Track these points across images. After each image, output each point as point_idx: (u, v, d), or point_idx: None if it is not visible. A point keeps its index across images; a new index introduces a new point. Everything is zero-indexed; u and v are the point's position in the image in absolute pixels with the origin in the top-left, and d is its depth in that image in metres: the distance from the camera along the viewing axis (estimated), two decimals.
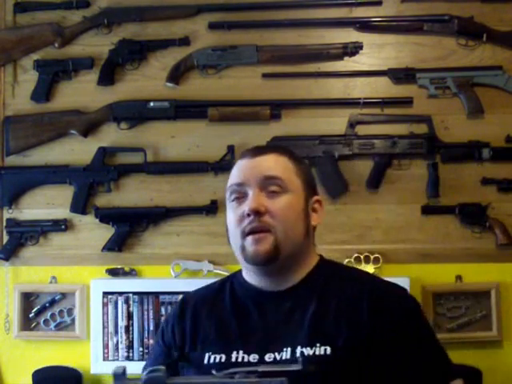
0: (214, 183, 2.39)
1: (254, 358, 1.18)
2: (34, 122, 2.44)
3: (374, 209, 2.34)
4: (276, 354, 1.18)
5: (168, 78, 2.40)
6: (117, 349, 2.31)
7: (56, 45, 2.45)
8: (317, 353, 1.16)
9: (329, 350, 1.15)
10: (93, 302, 2.34)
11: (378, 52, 2.38)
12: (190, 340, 1.27)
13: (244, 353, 1.20)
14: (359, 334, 1.17)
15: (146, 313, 2.31)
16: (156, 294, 2.31)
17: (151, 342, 2.29)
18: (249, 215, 1.22)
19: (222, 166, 2.36)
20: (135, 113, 2.41)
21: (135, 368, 2.45)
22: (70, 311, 2.42)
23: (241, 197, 1.25)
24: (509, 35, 2.32)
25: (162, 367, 0.99)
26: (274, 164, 1.26)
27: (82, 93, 2.46)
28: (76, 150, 2.46)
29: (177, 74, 2.40)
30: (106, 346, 2.32)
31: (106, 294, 2.33)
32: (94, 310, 2.33)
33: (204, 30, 2.42)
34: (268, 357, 1.18)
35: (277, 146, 1.48)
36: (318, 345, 1.16)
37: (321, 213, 1.31)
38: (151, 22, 2.44)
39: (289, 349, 1.17)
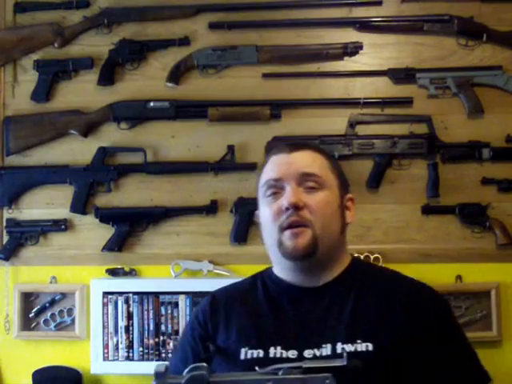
0: (214, 183, 2.39)
1: (292, 353, 1.18)
2: (34, 122, 2.44)
3: (373, 209, 2.34)
4: (315, 350, 1.17)
5: (168, 78, 2.41)
6: (117, 349, 2.31)
7: (56, 45, 2.45)
8: (358, 349, 1.15)
9: (371, 346, 1.15)
10: (93, 302, 2.33)
11: (378, 52, 2.38)
12: (223, 335, 1.25)
13: (282, 348, 1.19)
14: (397, 332, 1.17)
15: (145, 313, 2.31)
16: (156, 294, 2.31)
17: (151, 341, 2.29)
18: (287, 209, 1.21)
19: (222, 166, 2.36)
20: (135, 113, 2.41)
21: (135, 368, 2.46)
22: (69, 311, 2.42)
23: (277, 192, 1.25)
24: (509, 35, 2.32)
25: (204, 364, 0.98)
26: (312, 161, 1.27)
27: (82, 93, 2.46)
28: (76, 150, 2.46)
29: (177, 74, 2.40)
30: (105, 346, 2.31)
31: (106, 293, 2.32)
32: (94, 310, 2.33)
33: (204, 30, 2.43)
34: (307, 353, 1.17)
35: (310, 143, 1.48)
36: (359, 341, 1.16)
37: (353, 211, 1.32)
38: (151, 22, 2.44)
39: (329, 345, 1.17)
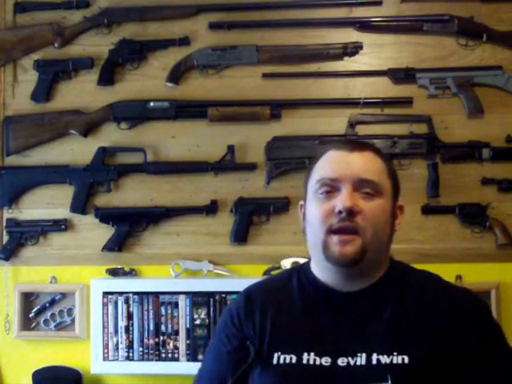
0: (214, 183, 2.39)
1: (326, 360, 1.14)
2: (34, 121, 2.44)
3: None
4: (350, 358, 1.13)
5: (168, 78, 2.41)
6: (117, 349, 2.31)
7: (56, 45, 2.45)
8: (394, 361, 1.12)
9: (406, 359, 1.12)
10: (93, 302, 2.33)
11: (378, 52, 2.38)
12: (258, 337, 1.21)
13: (315, 355, 1.15)
14: (438, 339, 1.14)
15: (145, 313, 2.31)
16: (156, 294, 2.31)
17: (151, 342, 2.29)
18: (340, 212, 1.15)
19: (222, 166, 2.36)
20: (135, 113, 2.41)
21: (135, 368, 2.46)
22: (69, 311, 2.42)
23: (332, 191, 1.18)
24: (509, 35, 2.32)
25: None
26: (371, 165, 1.20)
27: (81, 93, 2.46)
28: (76, 150, 2.46)
29: (177, 74, 2.41)
30: (105, 346, 2.31)
31: (106, 293, 2.32)
32: (94, 310, 2.33)
33: (204, 30, 2.43)
34: (341, 361, 1.13)
35: (371, 144, 1.39)
36: (395, 353, 1.12)
37: (402, 219, 1.29)
38: (151, 22, 2.44)
39: (364, 354, 1.13)
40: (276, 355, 1.17)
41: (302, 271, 1.28)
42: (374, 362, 1.12)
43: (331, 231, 1.16)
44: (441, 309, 1.17)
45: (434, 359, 1.12)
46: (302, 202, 1.28)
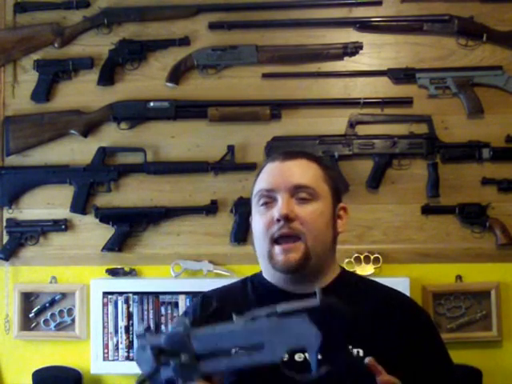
0: (214, 183, 2.39)
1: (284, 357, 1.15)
2: (34, 122, 2.44)
3: (374, 209, 2.34)
4: (306, 354, 1.13)
5: (168, 78, 2.41)
6: (117, 349, 2.31)
7: (56, 45, 2.45)
8: None
9: (361, 352, 1.15)
10: (93, 302, 2.33)
11: (378, 52, 2.38)
12: None
13: None
14: (386, 342, 1.17)
15: (145, 313, 2.31)
16: (156, 294, 2.31)
17: None
18: (278, 220, 1.20)
19: (222, 166, 2.36)
20: (135, 113, 2.41)
21: (135, 368, 2.46)
22: (70, 311, 2.42)
23: (270, 202, 1.24)
24: (509, 35, 2.32)
25: (186, 321, 0.99)
26: (305, 171, 1.25)
27: (82, 93, 2.46)
28: (76, 150, 2.46)
29: (177, 74, 2.41)
30: (105, 346, 2.31)
31: (105, 293, 2.33)
32: (94, 310, 2.33)
33: (204, 30, 2.43)
34: (298, 356, 1.16)
35: (305, 151, 1.44)
36: (350, 346, 1.16)
37: (345, 220, 1.31)
38: (151, 22, 2.44)
39: None
40: (233, 351, 1.18)
41: (254, 278, 1.34)
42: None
43: (274, 241, 1.21)
44: (394, 318, 1.21)
45: (388, 354, 1.14)
46: (251, 217, 1.33)
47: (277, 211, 1.21)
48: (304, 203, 1.22)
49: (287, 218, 1.19)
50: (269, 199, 1.24)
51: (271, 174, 1.26)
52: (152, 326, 2.28)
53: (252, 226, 1.30)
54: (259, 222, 1.25)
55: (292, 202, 1.21)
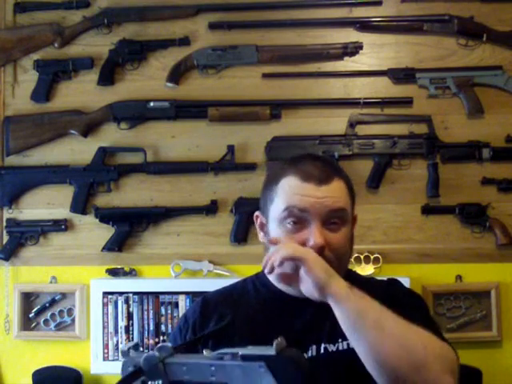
0: (214, 183, 2.39)
1: None
2: (34, 122, 2.44)
3: (374, 209, 2.34)
4: (303, 354, 1.18)
5: (168, 78, 2.41)
6: (117, 349, 2.31)
7: (56, 45, 2.45)
8: (340, 348, 1.21)
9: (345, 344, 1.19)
10: (93, 302, 2.33)
11: (378, 52, 2.38)
12: (213, 341, 1.23)
13: None
14: None
15: (145, 313, 2.31)
16: (156, 294, 2.31)
17: (151, 341, 2.29)
18: (311, 247, 1.18)
19: (222, 166, 2.36)
20: (135, 113, 2.41)
21: None
22: (69, 311, 2.42)
23: (300, 223, 1.20)
24: (509, 35, 2.32)
25: (168, 345, 1.01)
26: (339, 194, 1.23)
27: (81, 93, 2.46)
28: (76, 150, 2.46)
29: (177, 74, 2.40)
30: (105, 346, 2.31)
31: (105, 293, 2.33)
32: (93, 310, 2.33)
33: (204, 30, 2.43)
34: None
35: (333, 165, 1.35)
36: (340, 340, 1.20)
37: (355, 226, 1.31)
38: (151, 22, 2.44)
39: (314, 346, 1.21)
40: None
41: (256, 279, 1.34)
42: (322, 351, 1.21)
43: None
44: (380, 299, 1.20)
45: None
46: (258, 213, 1.32)
47: (312, 239, 1.18)
48: (335, 230, 1.21)
49: (322, 248, 1.18)
50: (298, 220, 1.20)
51: (305, 194, 1.21)
52: (152, 326, 2.28)
53: (269, 232, 1.27)
54: (287, 239, 1.21)
55: (324, 230, 1.20)
